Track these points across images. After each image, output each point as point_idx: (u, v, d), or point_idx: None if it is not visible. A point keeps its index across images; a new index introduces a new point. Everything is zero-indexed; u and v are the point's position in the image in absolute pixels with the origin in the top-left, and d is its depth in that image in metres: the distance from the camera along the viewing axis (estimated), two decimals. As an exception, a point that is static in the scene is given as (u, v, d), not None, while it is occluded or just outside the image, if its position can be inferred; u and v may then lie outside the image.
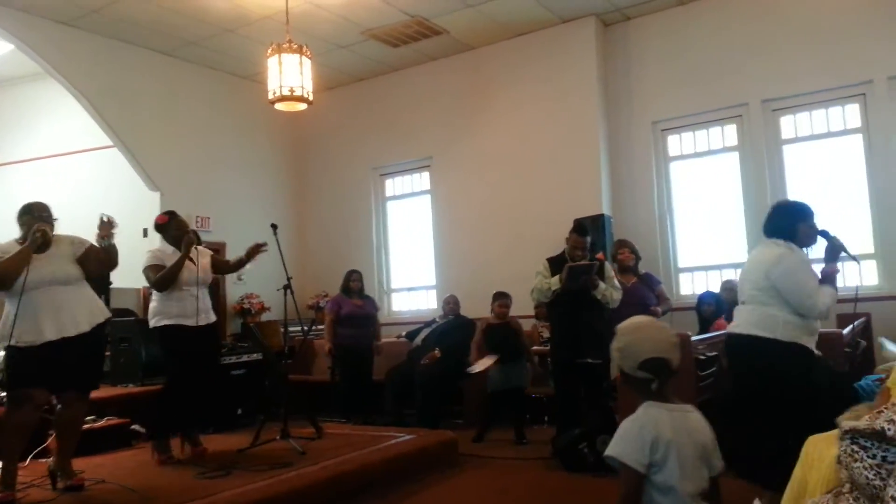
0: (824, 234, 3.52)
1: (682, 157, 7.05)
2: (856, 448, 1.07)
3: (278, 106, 6.01)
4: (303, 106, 6.01)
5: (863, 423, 1.07)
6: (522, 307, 6.10)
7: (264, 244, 4.75)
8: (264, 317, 7.86)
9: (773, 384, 3.40)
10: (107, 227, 3.82)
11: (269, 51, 5.91)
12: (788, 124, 6.50)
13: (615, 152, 7.22)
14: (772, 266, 3.38)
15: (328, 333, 6.49)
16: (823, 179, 6.29)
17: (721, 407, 3.63)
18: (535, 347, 6.55)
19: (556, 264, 5.13)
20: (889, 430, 1.01)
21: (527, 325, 6.82)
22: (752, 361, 3.45)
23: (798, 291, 3.33)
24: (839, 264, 3.53)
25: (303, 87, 5.83)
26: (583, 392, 4.99)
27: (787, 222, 3.52)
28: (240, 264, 4.83)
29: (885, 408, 1.06)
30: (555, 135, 7.26)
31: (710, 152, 6.90)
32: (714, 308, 5.98)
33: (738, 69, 6.55)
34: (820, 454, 2.35)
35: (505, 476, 4.54)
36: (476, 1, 6.67)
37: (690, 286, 6.89)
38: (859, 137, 6.16)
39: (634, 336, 2.03)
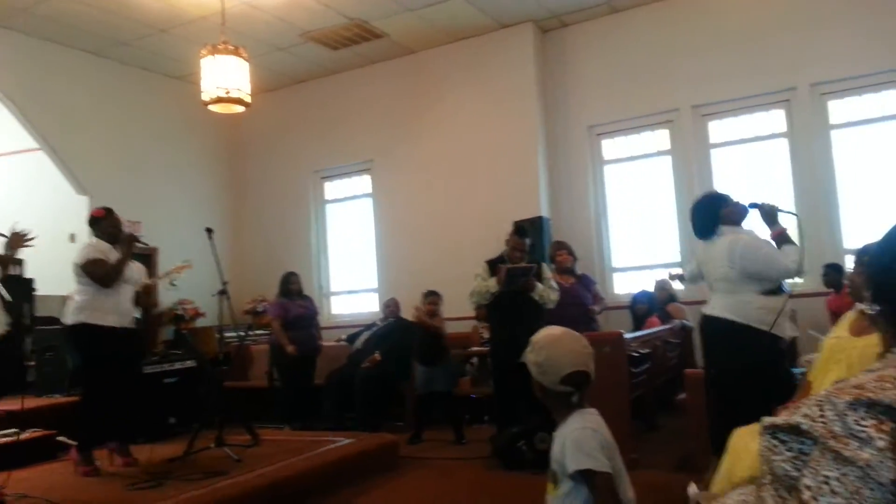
0: (753, 205, 3.63)
1: (616, 160, 7.23)
2: (775, 442, 1.13)
3: (214, 108, 5.89)
4: (240, 108, 5.92)
5: (781, 419, 1.12)
6: (463, 309, 6.13)
7: (185, 267, 4.75)
8: (199, 323, 7.67)
9: (740, 368, 3.51)
10: (18, 239, 3.71)
11: (204, 51, 5.79)
12: (717, 129, 6.74)
13: (553, 155, 7.35)
14: (729, 254, 3.49)
15: (283, 337, 6.33)
16: (750, 182, 6.54)
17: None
18: (474, 348, 6.61)
19: (495, 266, 5.18)
20: (804, 424, 1.07)
21: (467, 327, 6.89)
22: (725, 343, 3.54)
23: (766, 262, 3.45)
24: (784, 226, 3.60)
25: (239, 89, 5.73)
26: (521, 391, 5.06)
27: (709, 216, 3.67)
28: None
29: (803, 402, 1.12)
30: (494, 138, 7.34)
31: (643, 156, 7.09)
32: (647, 307, 6.16)
33: (670, 76, 6.76)
34: (746, 446, 2.45)
35: (445, 476, 4.55)
36: (416, 5, 6.69)
37: (624, 286, 7.06)
38: (784, 141, 6.44)
39: (553, 350, 1.97)
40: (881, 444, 0.99)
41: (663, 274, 6.71)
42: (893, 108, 6.06)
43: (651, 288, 6.38)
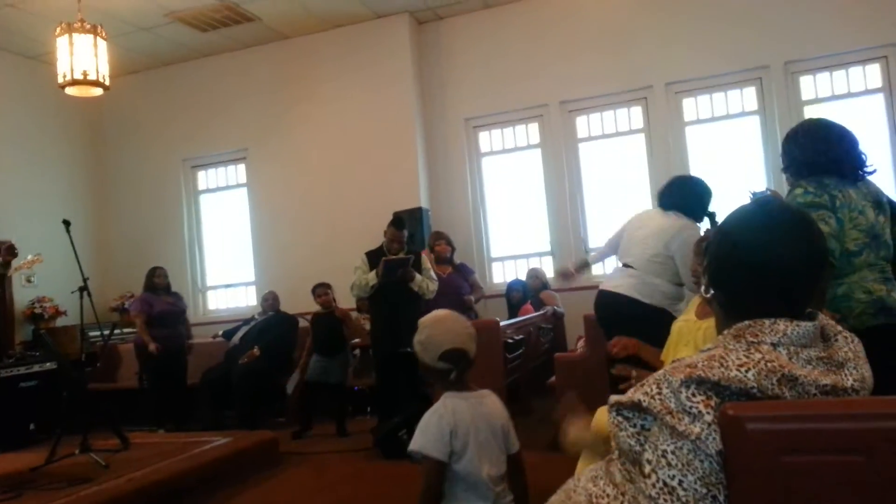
0: (712, 215, 3.69)
1: (492, 152, 7.43)
2: (620, 419, 1.21)
3: (70, 90, 5.49)
4: (98, 91, 5.54)
5: (625, 397, 1.21)
6: (344, 300, 6.13)
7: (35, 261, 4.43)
8: (60, 322, 7.16)
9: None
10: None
11: (59, 30, 5.38)
12: (583, 124, 7.08)
13: (431, 147, 7.44)
14: (673, 237, 3.52)
15: (146, 334, 6.03)
16: (611, 176, 6.94)
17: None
18: (356, 340, 6.60)
19: (374, 257, 5.21)
20: (644, 401, 1.15)
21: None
22: (624, 320, 3.62)
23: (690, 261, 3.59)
24: None
25: (97, 71, 5.38)
26: (402, 381, 5.13)
27: (692, 198, 3.65)
28: None
29: (645, 381, 1.22)
30: (372, 129, 7.32)
31: (517, 149, 7.33)
32: (521, 294, 6.40)
33: (540, 72, 7.01)
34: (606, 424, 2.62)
35: (326, 470, 4.55)
36: (289, -10, 6.54)
37: (502, 275, 7.29)
38: (641, 137, 6.87)
39: (434, 329, 2.11)
40: (708, 418, 1.09)
41: (535, 263, 7.00)
42: (737, 107, 6.62)
43: (524, 276, 6.63)
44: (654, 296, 3.54)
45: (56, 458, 4.20)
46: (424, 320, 2.16)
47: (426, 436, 1.98)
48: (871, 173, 2.56)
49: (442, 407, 2.03)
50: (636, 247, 3.66)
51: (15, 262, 4.51)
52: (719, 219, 3.82)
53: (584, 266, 4.46)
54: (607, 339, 3.82)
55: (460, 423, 1.99)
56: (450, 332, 2.09)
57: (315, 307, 6.05)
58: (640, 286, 3.57)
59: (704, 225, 3.71)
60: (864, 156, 2.55)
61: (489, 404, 2.12)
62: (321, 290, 5.97)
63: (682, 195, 3.67)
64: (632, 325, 3.51)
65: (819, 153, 2.48)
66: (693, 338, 2.59)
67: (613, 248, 3.94)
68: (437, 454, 1.95)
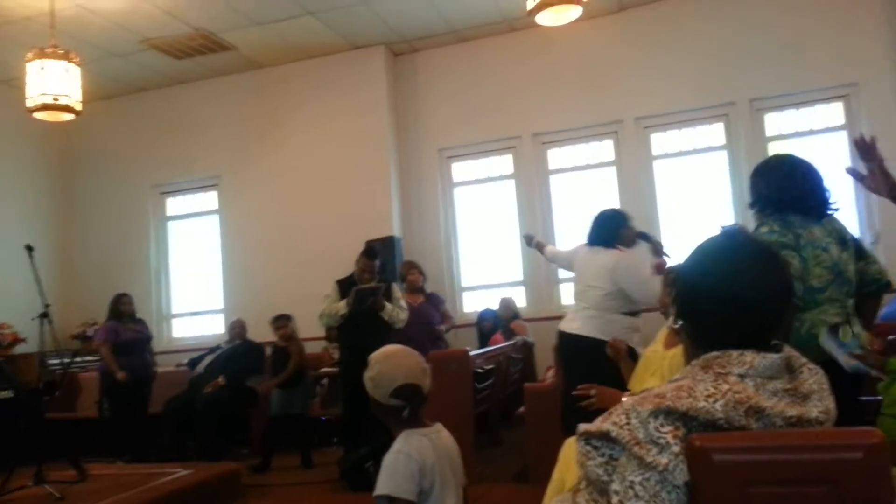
0: (643, 235, 3.95)
1: (465, 183, 7.47)
2: (588, 448, 1.20)
3: (39, 115, 5.43)
4: (69, 116, 5.49)
5: (594, 426, 1.20)
6: (313, 329, 6.05)
7: None
8: (19, 349, 6.95)
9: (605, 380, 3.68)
10: None
11: (30, 55, 5.33)
12: (555, 156, 7.17)
13: (405, 177, 7.46)
14: (612, 270, 3.72)
15: (113, 363, 5.88)
16: (582, 207, 7.00)
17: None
18: (325, 369, 6.52)
19: (345, 286, 5.17)
20: (613, 431, 1.15)
21: (317, 347, 6.78)
22: (589, 360, 3.66)
23: (641, 283, 3.69)
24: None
25: (68, 96, 5.33)
26: (370, 412, 5.06)
27: (610, 229, 3.88)
28: None
29: (613, 411, 1.21)
30: (346, 158, 7.33)
31: (489, 179, 7.39)
32: (492, 324, 6.39)
33: (513, 104, 7.10)
34: (574, 455, 2.60)
35: (290, 503, 4.44)
36: (264, 20, 6.56)
37: (473, 304, 7.28)
38: (612, 170, 6.97)
39: (385, 365, 2.01)
40: (676, 449, 1.09)
41: (507, 292, 7.00)
42: (705, 142, 6.77)
43: (496, 306, 6.63)
44: (614, 332, 3.64)
45: (9, 490, 4.04)
46: (375, 356, 2.06)
47: (394, 478, 1.87)
48: (834, 210, 2.60)
49: (406, 446, 1.94)
50: (590, 290, 3.84)
51: None
52: (669, 245, 4.00)
53: (540, 246, 4.84)
54: (570, 377, 3.90)
55: (427, 461, 1.91)
56: (401, 366, 2.00)
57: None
58: (602, 325, 3.70)
59: (643, 249, 3.90)
60: (828, 193, 2.59)
61: (445, 438, 2.06)
62: (281, 323, 5.87)
63: (598, 230, 3.91)
64: (596, 364, 3.60)
65: (784, 190, 2.51)
66: (659, 367, 2.61)
67: (564, 264, 4.24)
68: (407, 495, 1.86)
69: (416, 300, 5.98)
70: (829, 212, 2.58)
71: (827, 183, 2.61)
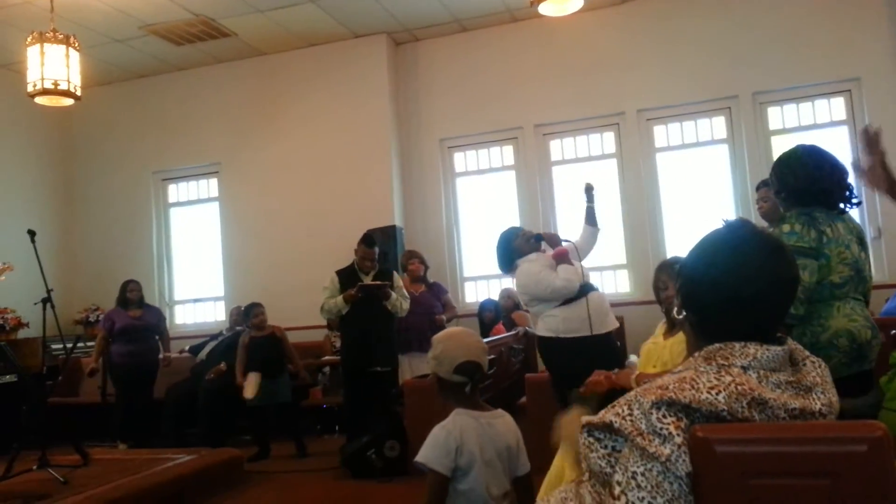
0: (538, 237, 4.02)
1: (466, 173, 7.47)
2: (591, 440, 1.21)
3: (39, 100, 5.43)
4: (69, 101, 5.48)
5: (597, 418, 1.21)
6: (314, 317, 6.04)
7: (5, 269, 4.31)
8: (21, 334, 6.98)
9: (569, 375, 3.76)
10: None
11: (31, 39, 5.32)
12: (556, 147, 7.16)
13: (406, 166, 7.46)
14: (517, 284, 3.98)
15: (95, 351, 5.92)
16: (583, 198, 6.99)
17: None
18: (326, 357, 6.54)
19: (345, 277, 5.18)
20: (615, 422, 1.16)
21: (319, 336, 6.81)
22: (551, 357, 3.82)
23: (536, 283, 3.80)
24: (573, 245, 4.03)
25: (69, 81, 5.32)
26: (372, 399, 5.09)
27: (503, 251, 4.03)
28: None
29: (617, 403, 1.22)
30: (348, 146, 7.32)
31: (490, 170, 7.38)
32: (493, 314, 6.41)
33: (515, 95, 7.09)
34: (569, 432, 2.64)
35: (292, 489, 4.48)
36: (266, 6, 6.54)
37: (474, 294, 7.30)
38: (613, 162, 6.97)
39: (448, 343, 2.16)
40: (678, 440, 1.10)
41: (508, 283, 7.01)
42: (707, 135, 6.76)
43: (497, 296, 6.64)
44: (556, 327, 3.79)
45: (13, 473, 4.08)
46: (438, 336, 2.23)
47: (432, 449, 2.01)
48: (857, 204, 2.58)
49: (451, 423, 2.07)
50: (522, 298, 4.25)
51: None
52: (547, 233, 4.03)
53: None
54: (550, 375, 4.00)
55: (467, 441, 2.02)
56: (463, 345, 2.15)
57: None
58: (545, 323, 3.83)
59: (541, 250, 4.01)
60: (852, 186, 2.57)
61: (500, 425, 2.15)
62: (256, 311, 5.78)
63: (498, 259, 4.09)
64: (554, 357, 3.85)
65: (814, 182, 2.48)
66: (660, 356, 2.64)
67: None
68: (440, 468, 1.99)
69: (418, 289, 5.98)
70: (852, 206, 2.55)
71: (850, 177, 2.57)
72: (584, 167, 7.09)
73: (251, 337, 5.73)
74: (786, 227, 2.44)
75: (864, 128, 2.41)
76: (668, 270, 2.79)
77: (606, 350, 3.77)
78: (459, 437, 2.01)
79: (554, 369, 3.89)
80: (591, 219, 4.33)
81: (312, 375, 6.51)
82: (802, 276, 2.34)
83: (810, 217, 2.44)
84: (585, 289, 3.80)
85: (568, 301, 3.75)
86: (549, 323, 3.78)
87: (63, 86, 5.30)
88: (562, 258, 3.84)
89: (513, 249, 3.97)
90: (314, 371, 6.57)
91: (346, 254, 5.57)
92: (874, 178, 2.39)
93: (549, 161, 7.17)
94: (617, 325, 3.96)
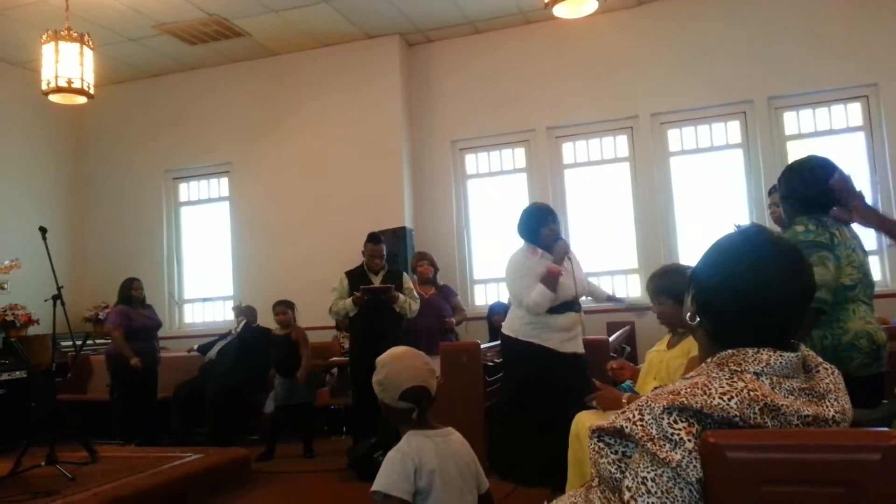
0: (557, 238, 3.93)
1: (477, 175, 7.45)
2: (601, 445, 1.20)
3: (53, 98, 5.46)
4: (82, 99, 5.51)
5: (607, 423, 1.20)
6: (323, 317, 6.05)
7: (12, 266, 4.35)
8: (31, 330, 7.02)
9: (516, 381, 3.79)
10: None
11: (45, 37, 5.36)
12: (569, 150, 7.13)
13: (417, 167, 7.45)
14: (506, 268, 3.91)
15: (127, 348, 5.91)
16: (596, 200, 7.00)
17: (499, 407, 3.95)
18: (334, 358, 6.53)
19: (354, 277, 5.18)
20: (626, 427, 1.14)
21: (327, 336, 6.80)
22: (505, 358, 3.83)
23: (513, 283, 3.84)
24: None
25: (83, 79, 5.35)
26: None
27: (529, 225, 3.94)
28: None
29: (627, 408, 1.21)
30: (359, 147, 7.32)
31: (502, 172, 7.36)
32: (503, 318, 6.35)
33: (528, 97, 7.07)
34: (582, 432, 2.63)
35: (299, 490, 4.48)
36: (280, 7, 6.55)
37: (484, 297, 7.27)
38: (626, 165, 6.93)
39: (393, 367, 2.04)
40: (689, 445, 1.08)
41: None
42: (721, 140, 6.71)
43: (507, 299, 6.61)
44: (518, 329, 3.83)
45: (21, 469, 4.09)
46: (382, 359, 2.09)
47: (388, 475, 1.92)
48: None
49: (405, 445, 1.97)
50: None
51: None
52: (564, 242, 3.95)
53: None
54: (504, 379, 4.00)
55: (425, 462, 1.93)
56: (409, 368, 2.03)
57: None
58: (508, 321, 3.96)
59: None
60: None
61: (454, 442, 2.06)
62: (280, 309, 5.80)
63: (523, 222, 4.09)
64: (507, 359, 3.97)
65: (822, 193, 2.56)
66: (659, 370, 2.62)
67: None
68: (400, 493, 1.89)
69: (427, 291, 5.97)
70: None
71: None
72: (596, 170, 7.06)
73: (273, 334, 5.80)
74: (800, 227, 2.54)
75: (835, 180, 2.48)
76: (655, 283, 2.73)
77: (567, 370, 3.74)
78: (417, 459, 1.92)
79: (507, 369, 3.90)
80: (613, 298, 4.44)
81: (320, 376, 6.51)
82: (827, 266, 2.45)
83: (819, 220, 2.55)
84: (568, 305, 3.81)
85: (558, 310, 3.79)
86: (512, 324, 3.82)
87: (77, 84, 5.33)
88: (548, 278, 3.76)
89: (534, 231, 3.90)
90: (322, 372, 6.56)
91: (355, 254, 5.57)
92: (861, 218, 2.49)
93: (562, 164, 7.13)
94: (582, 351, 3.88)
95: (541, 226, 3.90)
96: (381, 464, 1.97)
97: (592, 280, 4.77)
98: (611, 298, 4.45)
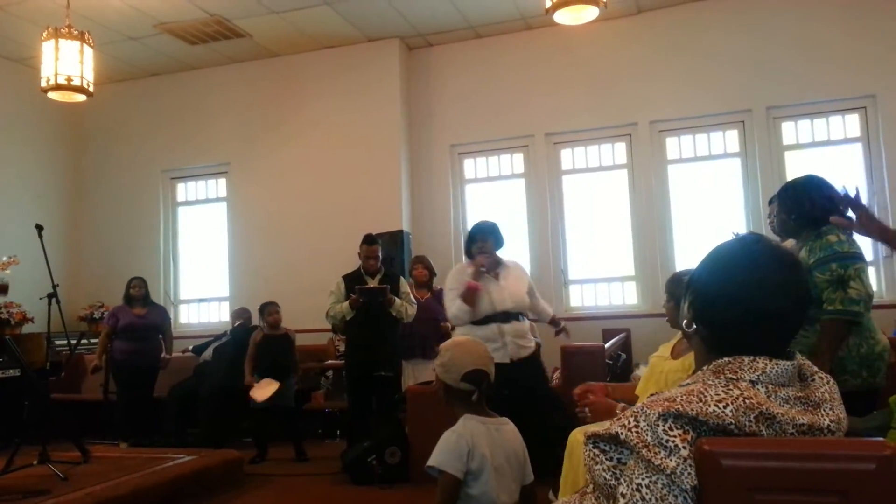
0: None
1: (475, 180, 7.45)
2: (597, 451, 1.19)
3: (52, 95, 5.44)
4: (81, 97, 5.49)
5: (602, 429, 1.20)
6: (318, 320, 6.03)
7: (10, 263, 4.34)
8: (26, 329, 6.99)
9: None
10: None
11: (45, 34, 5.35)
12: (567, 156, 7.14)
13: (416, 171, 7.45)
14: None
15: (99, 347, 5.91)
16: (593, 207, 7.02)
17: None
18: (330, 361, 6.52)
19: (351, 281, 5.17)
20: (622, 433, 1.14)
21: (322, 339, 6.79)
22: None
23: (445, 294, 4.15)
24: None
25: (82, 77, 5.33)
26: (375, 405, 5.06)
27: (466, 243, 4.35)
28: None
29: (623, 414, 1.20)
30: (357, 150, 7.32)
31: (500, 177, 7.37)
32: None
33: (527, 103, 7.08)
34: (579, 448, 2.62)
35: (291, 493, 4.46)
36: (280, 8, 6.56)
37: (480, 302, 7.24)
38: (624, 173, 6.94)
39: (457, 351, 2.18)
40: (684, 452, 1.08)
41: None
42: (719, 148, 6.73)
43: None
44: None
45: (13, 468, 4.07)
46: (446, 344, 2.27)
47: (445, 453, 2.03)
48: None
49: (461, 427, 2.09)
50: None
51: None
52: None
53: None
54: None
55: (478, 445, 2.04)
56: (471, 353, 2.18)
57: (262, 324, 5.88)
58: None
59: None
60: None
61: (507, 432, 2.18)
62: (272, 309, 5.73)
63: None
64: None
65: (827, 211, 2.64)
66: (659, 378, 2.60)
67: None
68: (453, 471, 2.00)
69: (423, 296, 5.95)
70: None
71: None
72: (594, 177, 7.06)
73: (264, 335, 5.70)
74: (832, 238, 2.65)
75: (843, 192, 2.50)
76: (669, 285, 2.77)
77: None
78: (471, 441, 2.04)
79: None
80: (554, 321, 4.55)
81: (315, 379, 6.49)
82: (862, 279, 2.58)
83: (844, 231, 2.64)
84: (491, 318, 3.98)
85: (477, 322, 3.99)
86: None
87: (76, 82, 5.31)
88: (465, 293, 3.99)
89: (468, 249, 4.24)
90: (317, 374, 6.54)
91: (352, 257, 5.56)
92: (864, 228, 2.53)
93: (560, 170, 7.14)
94: (507, 360, 3.92)
95: (471, 244, 4.19)
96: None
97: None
98: (553, 321, 4.55)
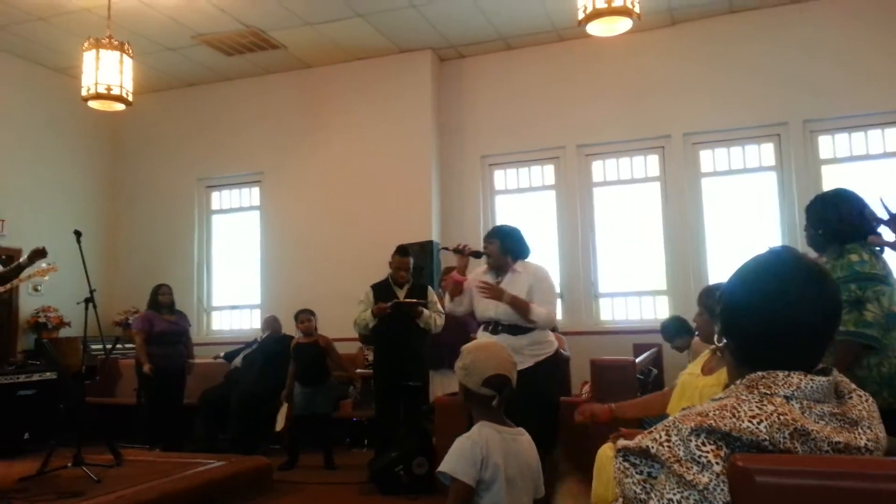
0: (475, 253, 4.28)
1: (506, 191, 7.44)
2: (627, 465, 1.18)
3: (92, 104, 5.58)
4: (120, 106, 5.63)
5: (633, 443, 1.18)
6: (348, 329, 6.05)
7: (50, 270, 4.44)
8: (63, 332, 7.15)
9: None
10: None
11: (87, 45, 5.50)
12: (598, 168, 7.09)
13: (446, 181, 7.47)
14: None
15: (143, 354, 6.00)
16: (625, 219, 6.95)
17: None
18: (358, 370, 6.54)
19: (380, 290, 5.18)
20: (653, 448, 1.13)
21: (352, 348, 6.81)
22: None
23: None
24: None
25: (121, 87, 5.46)
26: (402, 415, 5.06)
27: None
28: (16, 270, 4.41)
29: (654, 428, 1.19)
30: (389, 161, 7.37)
31: (530, 189, 7.35)
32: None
33: (558, 114, 7.06)
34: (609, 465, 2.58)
35: (319, 501, 4.47)
36: (315, 20, 6.65)
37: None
38: (657, 185, 6.87)
39: (479, 354, 2.13)
40: (717, 468, 1.06)
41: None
42: (755, 161, 6.63)
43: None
44: None
45: (48, 469, 4.15)
46: (468, 346, 2.20)
47: (458, 460, 1.98)
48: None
49: (476, 434, 2.03)
50: None
51: (28, 270, 4.52)
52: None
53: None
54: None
55: (492, 454, 1.99)
56: (494, 357, 2.12)
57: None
58: None
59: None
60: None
61: (523, 443, 2.12)
62: (303, 317, 5.80)
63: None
64: None
65: (855, 227, 2.60)
66: (692, 396, 2.55)
67: None
68: (465, 478, 1.95)
69: (452, 306, 5.94)
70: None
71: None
72: (626, 189, 7.00)
73: (297, 343, 5.77)
74: (854, 257, 2.55)
75: (872, 210, 2.50)
76: (702, 297, 2.75)
77: None
78: (485, 449, 1.98)
79: None
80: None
81: (343, 388, 6.51)
82: (881, 303, 2.48)
83: (871, 249, 2.55)
84: (488, 325, 3.94)
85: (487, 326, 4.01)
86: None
87: (116, 91, 5.45)
88: (450, 285, 4.06)
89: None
90: (345, 383, 6.57)
91: (383, 267, 5.57)
92: None
93: (591, 182, 7.10)
94: (511, 373, 3.90)
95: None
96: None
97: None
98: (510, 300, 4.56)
